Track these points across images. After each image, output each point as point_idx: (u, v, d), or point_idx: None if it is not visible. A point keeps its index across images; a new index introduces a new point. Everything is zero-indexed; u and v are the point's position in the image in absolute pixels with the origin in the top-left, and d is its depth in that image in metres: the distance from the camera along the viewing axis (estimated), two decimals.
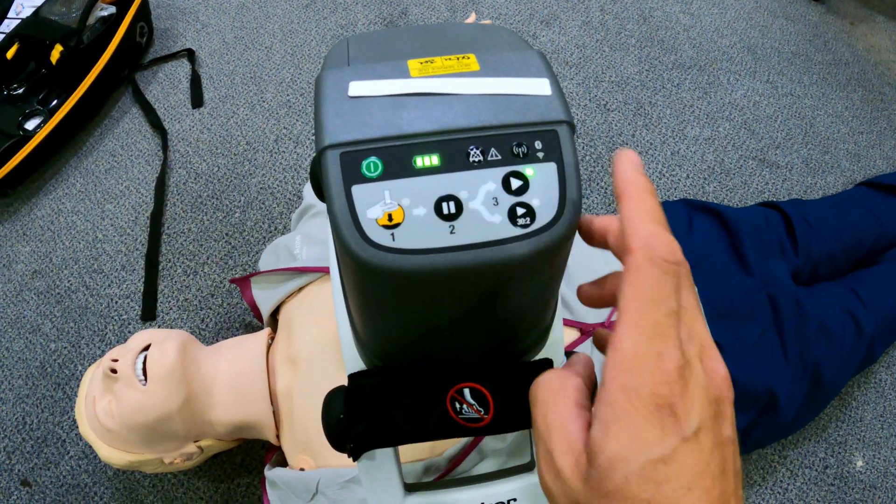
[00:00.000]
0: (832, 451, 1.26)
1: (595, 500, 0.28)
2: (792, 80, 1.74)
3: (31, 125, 1.49)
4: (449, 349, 0.42)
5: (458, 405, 0.42)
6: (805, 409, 1.07)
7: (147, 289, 1.38)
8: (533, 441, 0.34)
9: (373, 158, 0.33)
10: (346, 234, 0.32)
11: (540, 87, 0.36)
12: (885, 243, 1.26)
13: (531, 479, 0.50)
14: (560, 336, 0.51)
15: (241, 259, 1.42)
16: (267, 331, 1.04)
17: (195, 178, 1.53)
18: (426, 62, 0.37)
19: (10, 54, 1.52)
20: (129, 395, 0.91)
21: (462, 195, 0.33)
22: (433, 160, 0.33)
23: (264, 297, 1.07)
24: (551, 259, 0.35)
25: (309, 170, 0.73)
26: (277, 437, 0.99)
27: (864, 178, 1.55)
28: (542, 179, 0.33)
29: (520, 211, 0.33)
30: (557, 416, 0.32)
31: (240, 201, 1.50)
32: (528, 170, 0.33)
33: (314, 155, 0.79)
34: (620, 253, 0.32)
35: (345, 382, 0.48)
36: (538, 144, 0.34)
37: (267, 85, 1.67)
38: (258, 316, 1.14)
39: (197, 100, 1.64)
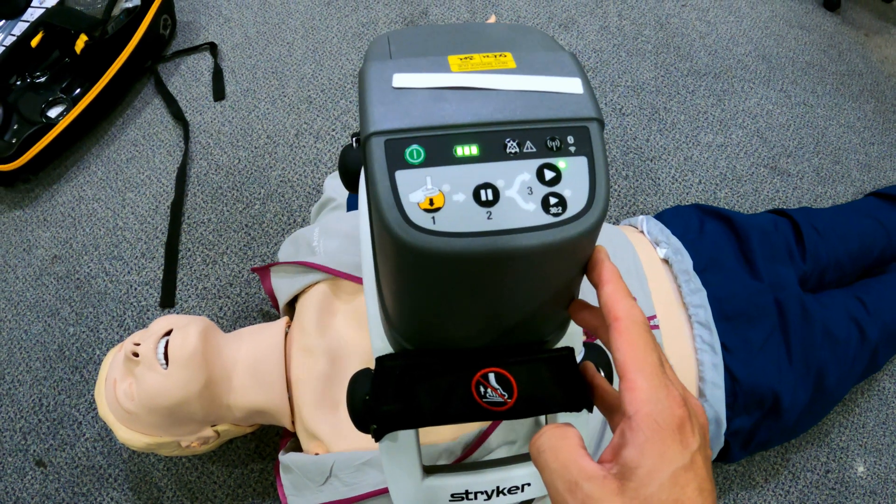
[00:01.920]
0: (834, 455, 1.28)
1: None
2: (805, 90, 1.75)
3: (53, 113, 1.51)
4: (477, 333, 0.43)
5: (482, 389, 0.44)
6: (808, 413, 1.08)
7: (166, 276, 1.40)
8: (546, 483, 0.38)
9: (416, 146, 0.35)
10: (389, 216, 0.34)
11: (573, 85, 0.38)
12: (892, 253, 1.27)
13: None
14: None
15: (259, 250, 1.44)
16: (285, 319, 1.06)
17: (216, 170, 1.55)
18: (466, 58, 0.39)
19: (34, 42, 1.53)
20: (151, 379, 0.93)
21: (499, 184, 0.35)
22: (473, 150, 0.35)
23: (282, 285, 1.09)
24: (581, 247, 0.37)
25: (338, 160, 0.75)
26: (293, 423, 1.01)
27: (874, 189, 1.56)
28: (573, 172, 0.35)
29: (552, 200, 0.35)
30: (569, 455, 0.36)
31: (260, 193, 1.52)
32: (561, 162, 0.35)
33: (343, 146, 0.81)
34: (605, 322, 0.38)
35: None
36: (570, 139, 0.36)
37: (288, 80, 1.69)
38: (276, 305, 1.16)
39: (219, 93, 1.66)
